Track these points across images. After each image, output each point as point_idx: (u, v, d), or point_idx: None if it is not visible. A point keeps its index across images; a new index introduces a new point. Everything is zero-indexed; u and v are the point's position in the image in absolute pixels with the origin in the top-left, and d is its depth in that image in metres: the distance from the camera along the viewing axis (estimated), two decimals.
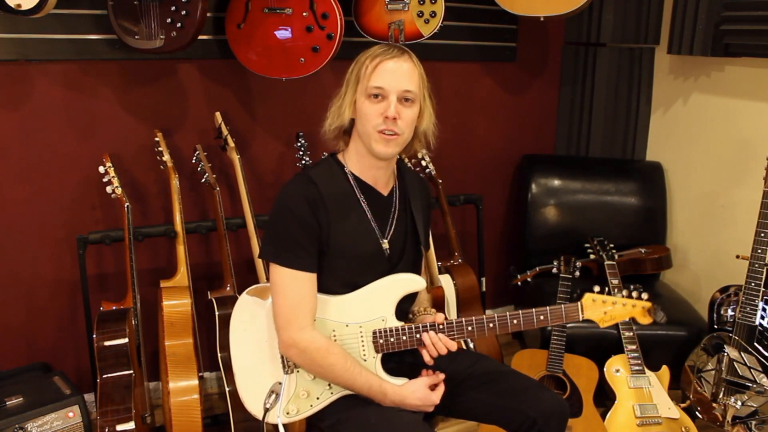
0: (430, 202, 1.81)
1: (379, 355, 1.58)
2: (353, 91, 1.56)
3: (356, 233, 1.58)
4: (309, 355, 1.52)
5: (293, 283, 1.52)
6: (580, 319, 1.59)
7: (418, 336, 1.56)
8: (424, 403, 1.56)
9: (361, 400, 1.57)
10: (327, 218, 1.54)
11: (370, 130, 1.53)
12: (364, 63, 1.55)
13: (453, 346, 1.56)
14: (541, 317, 1.57)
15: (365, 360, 1.57)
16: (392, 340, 1.56)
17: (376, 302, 1.58)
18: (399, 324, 1.58)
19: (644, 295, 1.60)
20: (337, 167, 1.62)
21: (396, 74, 1.52)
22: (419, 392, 1.56)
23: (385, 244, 1.62)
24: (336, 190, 1.58)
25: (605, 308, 1.59)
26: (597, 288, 1.62)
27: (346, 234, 1.56)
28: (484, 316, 1.57)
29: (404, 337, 1.57)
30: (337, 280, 1.58)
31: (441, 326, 1.56)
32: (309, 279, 1.53)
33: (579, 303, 1.59)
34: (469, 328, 1.56)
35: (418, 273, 1.69)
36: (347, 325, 1.57)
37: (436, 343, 1.55)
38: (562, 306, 1.58)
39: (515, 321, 1.57)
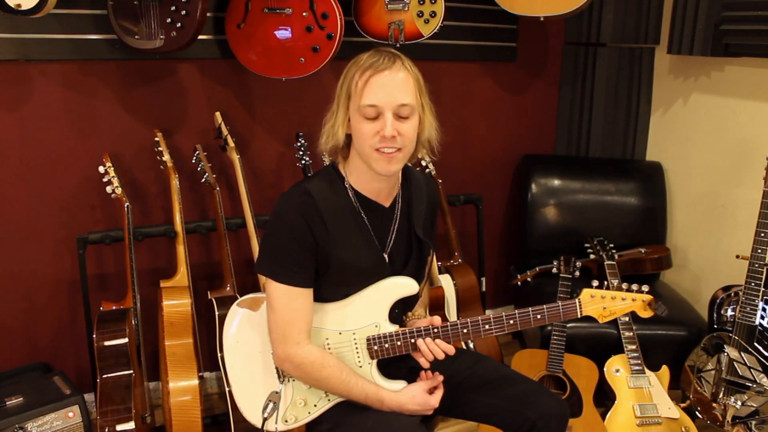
0: (435, 202, 1.73)
1: (374, 361, 1.56)
2: (345, 108, 1.47)
3: (356, 247, 1.54)
4: (303, 369, 1.52)
5: (288, 299, 1.49)
6: (579, 316, 1.53)
7: (412, 341, 1.54)
8: (423, 408, 1.55)
9: (358, 405, 1.55)
10: (324, 233, 1.49)
11: (367, 150, 1.44)
12: (353, 78, 1.44)
13: (450, 350, 1.53)
14: (539, 316, 1.52)
15: (360, 367, 1.56)
16: (386, 345, 1.54)
17: (369, 308, 1.56)
18: (393, 329, 1.55)
19: (644, 288, 1.55)
20: (337, 179, 1.55)
21: (389, 88, 1.41)
22: (418, 397, 1.55)
23: (386, 257, 1.58)
24: (334, 203, 1.51)
25: (604, 303, 1.53)
26: (595, 283, 1.56)
27: (346, 249, 1.52)
28: (480, 318, 1.53)
29: (398, 343, 1.54)
30: (339, 291, 1.56)
31: (436, 330, 1.53)
32: (304, 294, 1.50)
33: (577, 299, 1.53)
34: (465, 331, 1.53)
35: (421, 280, 1.65)
36: (340, 333, 1.56)
37: (433, 349, 1.52)
38: (560, 304, 1.52)
39: (512, 321, 1.52)
